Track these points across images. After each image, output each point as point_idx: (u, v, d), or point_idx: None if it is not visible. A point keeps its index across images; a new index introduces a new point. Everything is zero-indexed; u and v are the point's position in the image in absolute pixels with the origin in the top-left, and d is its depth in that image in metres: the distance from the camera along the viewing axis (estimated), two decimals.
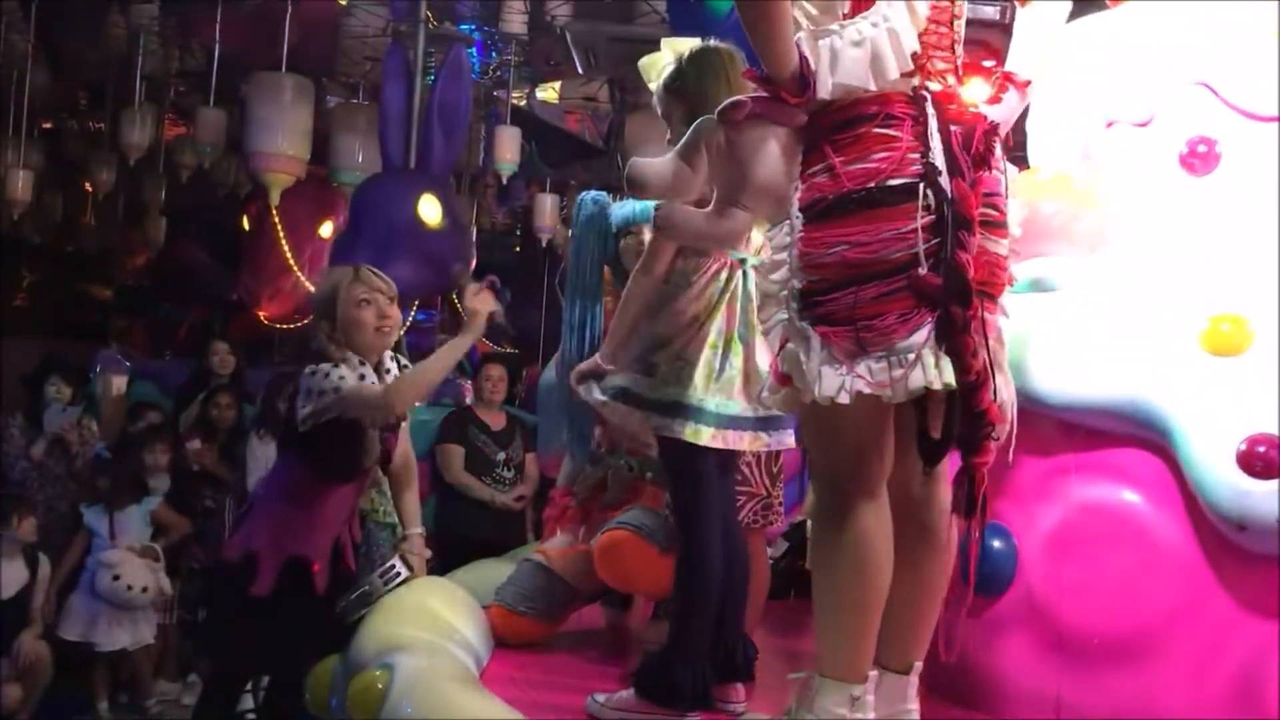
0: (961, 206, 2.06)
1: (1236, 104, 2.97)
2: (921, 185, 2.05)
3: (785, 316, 2.14)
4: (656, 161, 2.16)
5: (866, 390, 2.04)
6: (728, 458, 2.86)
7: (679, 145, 2.17)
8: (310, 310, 3.46)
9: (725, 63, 2.69)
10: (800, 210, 2.10)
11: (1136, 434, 2.74)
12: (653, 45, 3.19)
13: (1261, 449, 2.50)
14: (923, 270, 2.04)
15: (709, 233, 2.25)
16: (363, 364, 3.25)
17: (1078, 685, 2.77)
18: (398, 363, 3.41)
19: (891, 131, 2.08)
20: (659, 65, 2.86)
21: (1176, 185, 3.03)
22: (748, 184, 2.13)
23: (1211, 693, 2.61)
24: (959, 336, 2.05)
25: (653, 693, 2.69)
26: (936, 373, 2.04)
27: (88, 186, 9.96)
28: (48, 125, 10.05)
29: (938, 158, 2.07)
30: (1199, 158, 2.97)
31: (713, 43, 2.74)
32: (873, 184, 2.05)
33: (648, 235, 3.17)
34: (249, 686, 4.32)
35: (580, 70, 8.04)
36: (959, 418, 2.09)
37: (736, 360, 2.75)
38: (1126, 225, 3.11)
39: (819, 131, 2.12)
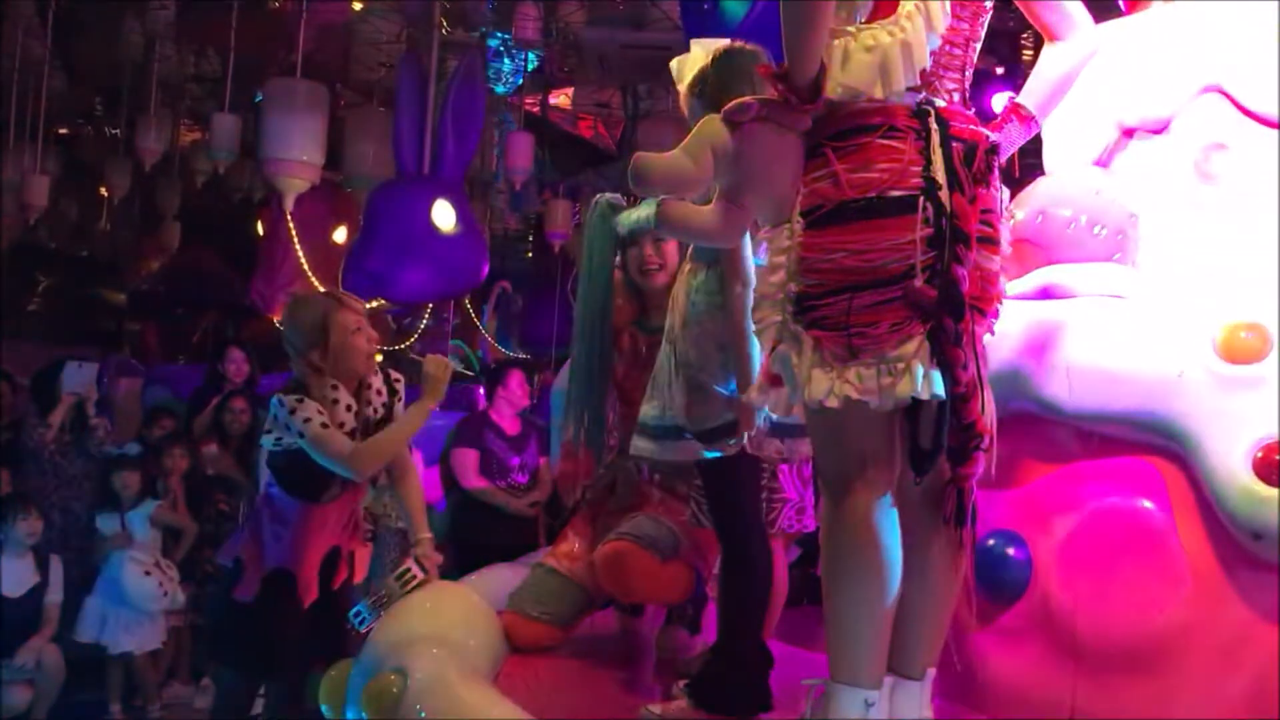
0: (960, 221, 2.08)
1: (1252, 109, 2.97)
2: (921, 198, 2.07)
3: (779, 318, 2.16)
4: (661, 157, 2.18)
5: (855, 396, 2.07)
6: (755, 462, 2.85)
7: (684, 142, 2.19)
8: (290, 340, 3.32)
9: (751, 64, 2.55)
10: (800, 215, 2.12)
11: (1152, 441, 2.73)
12: (665, 51, 3.17)
13: (1278, 457, 2.49)
14: (918, 282, 2.05)
15: (705, 230, 2.27)
16: (335, 389, 3.26)
17: (1093, 693, 2.76)
18: (384, 376, 3.43)
19: (894, 143, 2.10)
20: (689, 65, 2.73)
21: (1192, 192, 3.03)
22: (750, 184, 2.15)
23: (1226, 702, 2.60)
24: (950, 349, 2.07)
25: (711, 701, 2.67)
26: (925, 383, 2.06)
27: (103, 192, 10.02)
28: (64, 131, 10.11)
29: (939, 172, 2.09)
30: (1214, 164, 2.97)
31: (739, 44, 2.65)
32: (873, 193, 2.08)
33: (649, 249, 3.16)
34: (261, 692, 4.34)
35: (593, 76, 8.06)
36: (948, 429, 2.11)
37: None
38: (1142, 231, 3.10)
39: (822, 137, 2.14)
